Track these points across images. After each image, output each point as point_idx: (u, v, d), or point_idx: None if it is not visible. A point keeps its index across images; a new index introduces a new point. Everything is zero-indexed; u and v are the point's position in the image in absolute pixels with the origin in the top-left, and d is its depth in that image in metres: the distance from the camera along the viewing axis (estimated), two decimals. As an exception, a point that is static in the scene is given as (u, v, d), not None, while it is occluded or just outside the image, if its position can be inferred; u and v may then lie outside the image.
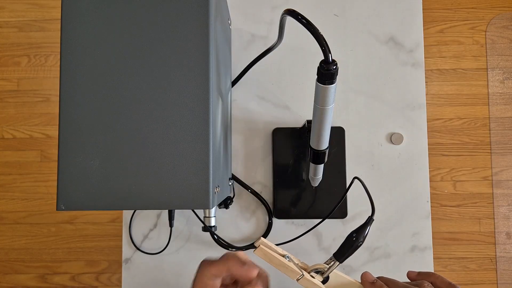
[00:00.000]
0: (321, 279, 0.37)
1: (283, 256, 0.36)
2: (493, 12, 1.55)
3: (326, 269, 0.37)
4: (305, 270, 0.37)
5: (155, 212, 0.65)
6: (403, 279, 0.64)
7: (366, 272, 0.38)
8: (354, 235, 0.37)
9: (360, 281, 0.38)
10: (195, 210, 0.63)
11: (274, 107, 0.66)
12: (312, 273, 0.37)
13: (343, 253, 0.37)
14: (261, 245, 0.36)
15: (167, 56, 0.38)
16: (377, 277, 0.38)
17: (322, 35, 0.34)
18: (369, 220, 0.38)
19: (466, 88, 1.53)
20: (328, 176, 0.61)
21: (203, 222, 0.59)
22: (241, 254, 0.36)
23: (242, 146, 0.66)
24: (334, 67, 0.36)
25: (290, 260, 0.37)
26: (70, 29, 0.38)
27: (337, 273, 0.38)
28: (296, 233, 0.62)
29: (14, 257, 1.51)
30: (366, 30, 0.67)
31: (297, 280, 0.36)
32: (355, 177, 0.41)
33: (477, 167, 1.50)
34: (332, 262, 0.37)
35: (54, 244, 1.51)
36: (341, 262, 0.37)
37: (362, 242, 0.37)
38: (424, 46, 0.67)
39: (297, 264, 0.37)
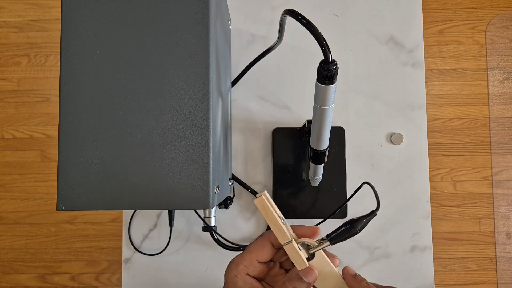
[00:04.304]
0: (306, 255, 0.36)
1: (280, 217, 0.36)
2: (493, 12, 1.55)
3: (314, 246, 0.36)
4: (295, 240, 0.36)
5: (155, 212, 0.65)
6: (403, 279, 0.64)
7: (347, 266, 0.38)
8: (352, 223, 0.36)
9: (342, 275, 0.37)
10: (196, 210, 0.63)
11: (274, 107, 0.66)
12: (299, 245, 0.36)
13: (336, 235, 0.36)
14: (263, 196, 0.35)
15: (167, 56, 0.38)
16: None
17: (322, 35, 0.34)
18: (372, 213, 0.37)
19: (466, 88, 1.53)
20: (328, 176, 0.61)
21: (205, 222, 0.59)
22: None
23: (242, 146, 0.66)
24: (334, 67, 0.36)
25: (285, 224, 0.36)
26: (70, 29, 0.38)
27: (324, 257, 0.36)
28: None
29: (14, 257, 1.51)
30: (366, 30, 0.67)
31: (284, 244, 0.35)
32: (365, 182, 0.41)
33: (477, 167, 1.50)
34: (322, 241, 0.36)
35: (54, 244, 1.51)
36: (332, 243, 0.36)
37: (359, 231, 0.36)
38: (424, 46, 0.67)
39: (289, 231, 0.36)
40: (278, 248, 0.38)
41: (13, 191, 1.53)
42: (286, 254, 0.37)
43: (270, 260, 0.38)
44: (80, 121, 0.38)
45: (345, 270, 0.37)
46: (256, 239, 0.38)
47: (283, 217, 0.36)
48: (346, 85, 0.66)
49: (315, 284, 0.36)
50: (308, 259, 0.36)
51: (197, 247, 0.65)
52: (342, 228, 0.36)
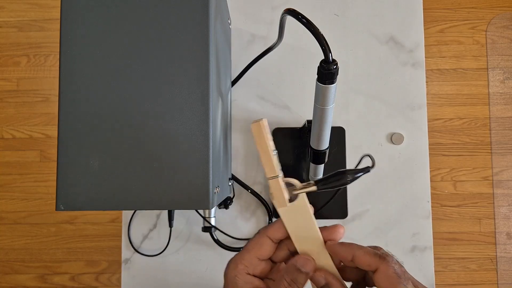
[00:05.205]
0: (289, 196, 0.34)
1: (272, 150, 0.33)
2: (494, 12, 1.55)
3: (299, 188, 0.34)
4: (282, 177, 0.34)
5: (154, 212, 0.65)
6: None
7: (328, 241, 0.35)
8: (344, 172, 0.34)
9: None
10: (198, 210, 0.63)
11: (274, 107, 0.66)
12: (285, 184, 0.34)
13: (325, 181, 0.34)
14: (261, 122, 0.33)
15: (167, 56, 0.38)
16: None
17: (322, 34, 0.34)
18: (366, 168, 0.35)
19: (466, 88, 1.53)
20: (328, 176, 0.61)
21: (208, 222, 0.59)
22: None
23: (242, 146, 0.66)
24: (335, 66, 0.36)
25: (276, 157, 0.34)
26: (69, 29, 0.38)
27: (306, 203, 0.34)
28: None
29: (14, 257, 1.51)
30: (366, 30, 0.67)
31: (270, 178, 0.33)
32: (366, 154, 0.39)
33: (478, 167, 1.50)
34: (309, 185, 0.34)
35: (54, 244, 1.51)
36: (318, 188, 0.34)
37: (349, 182, 0.34)
38: (424, 46, 0.67)
39: (278, 167, 0.34)
40: (278, 243, 0.36)
41: (13, 191, 1.53)
42: (288, 252, 0.35)
43: (273, 262, 0.37)
44: (79, 121, 0.38)
45: (329, 243, 0.35)
46: (254, 236, 0.36)
47: (276, 150, 0.34)
48: (346, 85, 0.66)
49: (286, 227, 0.34)
50: (291, 200, 0.34)
51: (197, 247, 0.64)
52: (333, 176, 0.35)
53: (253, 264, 0.35)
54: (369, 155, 0.38)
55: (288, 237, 0.35)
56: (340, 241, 0.35)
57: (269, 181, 0.33)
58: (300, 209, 0.34)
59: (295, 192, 0.34)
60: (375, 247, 0.34)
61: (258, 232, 0.36)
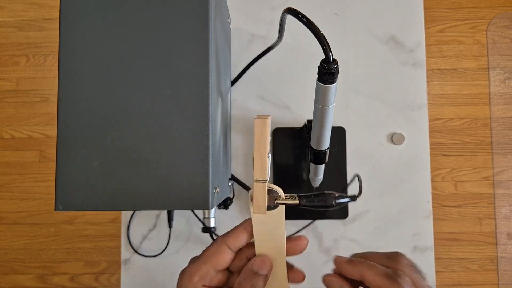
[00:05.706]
0: (267, 203, 0.32)
1: (268, 152, 0.32)
2: (494, 12, 1.55)
3: (282, 198, 0.32)
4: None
5: (154, 212, 0.65)
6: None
7: (337, 256, 0.34)
8: (331, 195, 0.34)
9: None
10: (194, 211, 0.63)
11: (274, 107, 0.66)
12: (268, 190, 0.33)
13: (309, 199, 0.33)
14: (268, 119, 0.31)
15: (166, 56, 0.38)
16: (353, 255, 0.34)
17: (322, 33, 0.34)
18: (353, 197, 0.35)
19: (467, 88, 1.52)
20: (329, 176, 0.61)
21: (203, 223, 0.58)
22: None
23: (242, 146, 0.65)
24: (335, 66, 0.36)
25: (268, 160, 0.32)
26: (68, 29, 0.38)
27: (282, 216, 0.33)
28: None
29: (13, 257, 1.51)
30: (366, 30, 0.67)
31: (257, 181, 0.32)
32: (356, 175, 0.39)
33: (478, 167, 1.49)
34: (292, 197, 0.33)
35: (53, 245, 1.51)
36: (300, 204, 0.33)
37: (333, 206, 0.34)
38: (425, 45, 0.66)
39: (268, 171, 0.33)
40: (237, 252, 0.34)
41: (13, 191, 1.53)
42: (247, 261, 0.34)
43: (230, 271, 0.35)
44: (79, 121, 0.37)
45: (337, 260, 0.33)
46: (211, 245, 0.33)
47: (270, 153, 0.33)
48: (346, 85, 0.66)
49: (254, 234, 0.33)
50: (269, 207, 0.33)
51: (196, 247, 0.64)
52: (319, 195, 0.34)
53: (210, 276, 0.33)
54: (358, 176, 0.38)
55: (247, 246, 0.34)
56: (348, 257, 0.33)
57: (255, 184, 0.32)
58: (275, 219, 0.33)
59: (277, 202, 0.33)
60: (392, 254, 0.32)
61: (216, 241, 0.33)
